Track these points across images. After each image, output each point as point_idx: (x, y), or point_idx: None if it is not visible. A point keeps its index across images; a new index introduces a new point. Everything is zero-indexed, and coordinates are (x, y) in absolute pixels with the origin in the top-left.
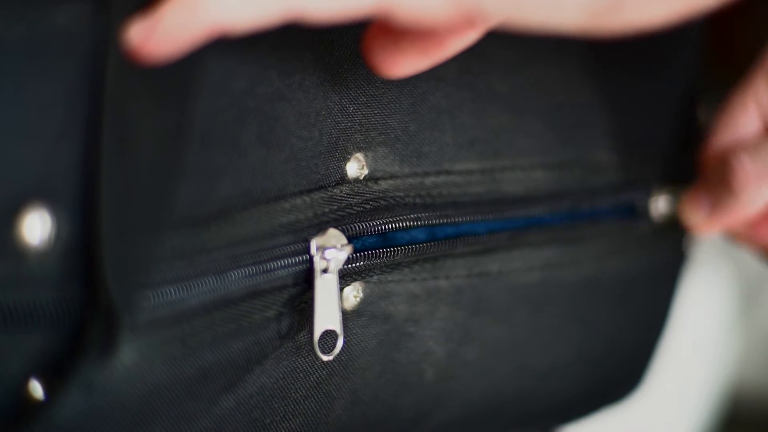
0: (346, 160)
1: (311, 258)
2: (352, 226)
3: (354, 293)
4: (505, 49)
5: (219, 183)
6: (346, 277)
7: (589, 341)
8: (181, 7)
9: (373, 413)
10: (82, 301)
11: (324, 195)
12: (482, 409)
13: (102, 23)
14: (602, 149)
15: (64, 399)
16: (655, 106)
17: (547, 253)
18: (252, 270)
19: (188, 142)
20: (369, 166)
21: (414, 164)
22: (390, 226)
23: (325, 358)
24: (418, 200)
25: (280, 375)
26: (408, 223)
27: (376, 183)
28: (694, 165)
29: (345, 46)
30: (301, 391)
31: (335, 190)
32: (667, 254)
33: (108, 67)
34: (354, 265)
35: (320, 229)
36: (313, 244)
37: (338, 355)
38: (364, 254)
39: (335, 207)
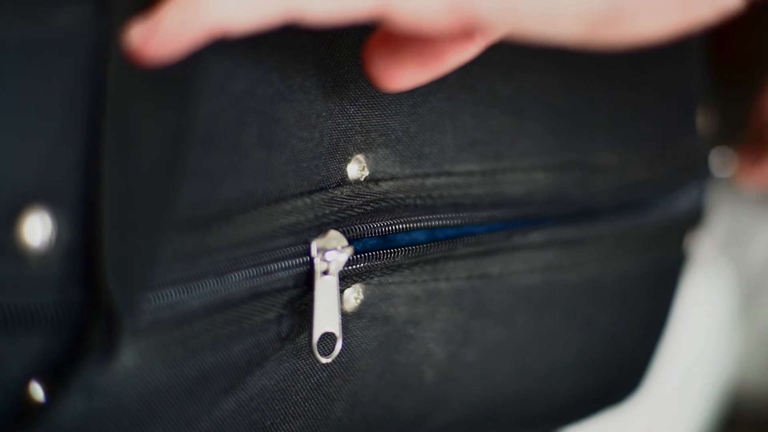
0: (346, 161)
1: (312, 260)
2: (352, 227)
3: (354, 295)
4: (505, 51)
5: (220, 185)
6: (346, 278)
7: (590, 343)
8: (180, 8)
9: (374, 415)
10: (83, 303)
11: (325, 196)
12: (482, 411)
13: (103, 24)
14: (603, 151)
15: (64, 401)
16: (656, 107)
17: (547, 255)
18: (252, 272)
19: (190, 143)
20: (370, 167)
21: (414, 165)
22: (390, 227)
23: (323, 360)
24: (418, 201)
25: (281, 377)
26: (408, 225)
27: (376, 184)
28: (694, 165)
29: (346, 47)
30: (302, 393)
31: (336, 192)
32: (668, 255)
33: (109, 69)
34: (354, 266)
35: (321, 230)
36: (314, 245)
37: (338, 357)
38: (365, 256)
39: (336, 208)
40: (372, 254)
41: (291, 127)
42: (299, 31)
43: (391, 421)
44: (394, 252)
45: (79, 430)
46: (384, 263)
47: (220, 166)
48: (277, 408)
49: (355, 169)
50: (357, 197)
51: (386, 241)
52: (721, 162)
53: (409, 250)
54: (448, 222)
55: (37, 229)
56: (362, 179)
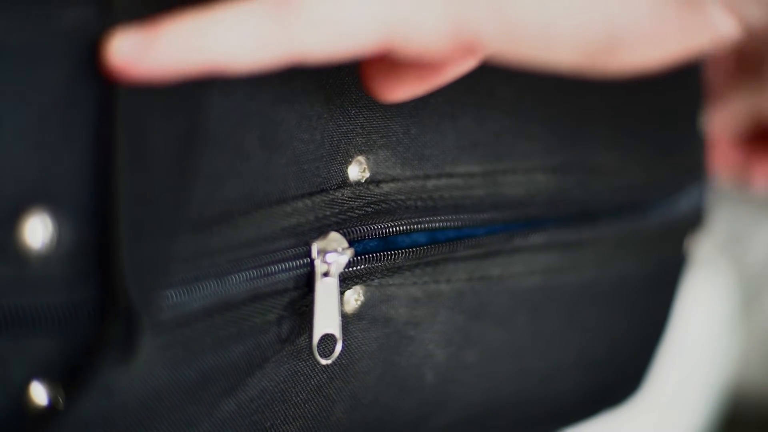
0: (347, 163)
1: (312, 261)
2: (353, 229)
3: (355, 297)
4: None
5: (221, 186)
6: (347, 280)
7: (590, 345)
8: (181, 34)
9: (374, 416)
10: (88, 305)
11: (325, 198)
12: (482, 413)
13: (105, 26)
14: (603, 152)
15: (83, 402)
16: (656, 110)
17: (547, 257)
18: (253, 273)
19: (203, 141)
20: (370, 169)
21: (415, 167)
22: (391, 229)
23: (323, 362)
24: (419, 203)
25: (281, 378)
26: (409, 227)
27: (377, 186)
28: (694, 167)
29: None
30: (302, 394)
31: (337, 194)
32: (668, 257)
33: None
34: (355, 268)
35: (321, 232)
36: (314, 247)
37: (339, 358)
38: (365, 257)
39: (336, 210)
40: (372, 256)
41: (292, 129)
42: None
43: (391, 422)
44: (395, 254)
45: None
46: (384, 265)
47: (221, 168)
48: (277, 409)
49: (356, 170)
50: (358, 199)
51: (387, 243)
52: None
53: (409, 251)
54: (449, 224)
55: (38, 231)
56: (363, 181)
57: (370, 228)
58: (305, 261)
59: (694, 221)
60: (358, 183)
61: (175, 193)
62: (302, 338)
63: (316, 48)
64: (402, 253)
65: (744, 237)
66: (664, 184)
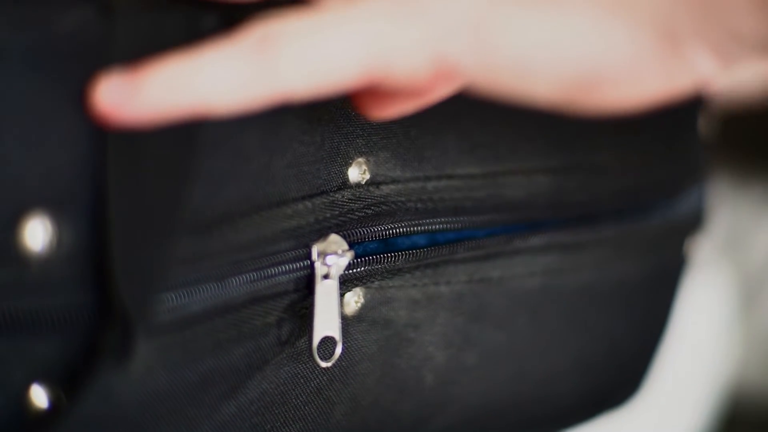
0: (347, 164)
1: (312, 264)
2: (353, 231)
3: (355, 299)
4: None
5: (221, 188)
6: (347, 282)
7: (589, 347)
8: (166, 79)
9: (373, 419)
10: (89, 308)
11: (326, 200)
12: (482, 415)
13: (106, 29)
14: (604, 154)
15: (80, 406)
16: (657, 112)
17: (547, 259)
18: (253, 276)
19: (200, 144)
20: (371, 170)
21: (416, 169)
22: (391, 231)
23: (323, 364)
24: (419, 205)
25: (281, 381)
26: (409, 229)
27: (377, 188)
28: (694, 169)
29: None
30: (302, 396)
31: (337, 195)
32: (668, 259)
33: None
34: (355, 270)
35: (322, 234)
36: (315, 249)
37: (338, 360)
38: (365, 260)
39: (337, 212)
40: (373, 258)
41: (292, 131)
42: None
43: (391, 424)
44: (395, 256)
45: None
46: (385, 267)
47: (221, 170)
48: (277, 412)
49: (356, 172)
50: (358, 201)
51: (387, 245)
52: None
53: (409, 254)
54: (449, 226)
55: (38, 234)
56: (363, 182)
57: (370, 230)
58: (305, 263)
59: (694, 223)
60: (358, 185)
61: (171, 197)
62: (302, 340)
63: (300, 86)
64: (402, 255)
65: (744, 237)
66: (665, 185)
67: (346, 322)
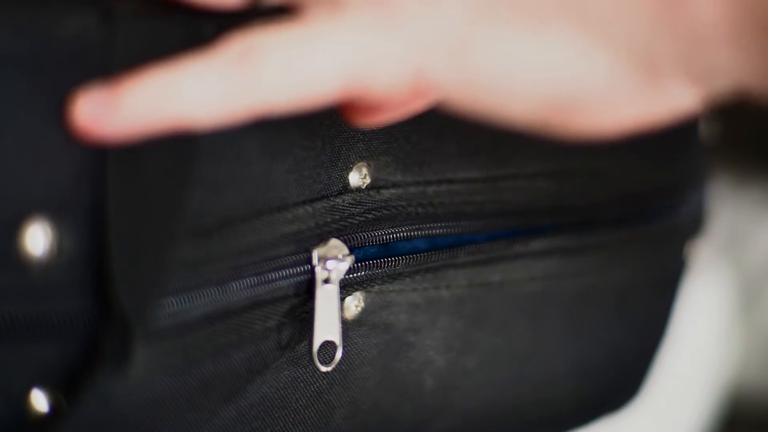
0: (348, 169)
1: (313, 268)
2: (353, 236)
3: (355, 303)
4: None
5: (222, 193)
6: (347, 287)
7: (589, 351)
8: (145, 94)
9: (373, 422)
10: (89, 312)
11: (326, 204)
12: (481, 418)
13: (108, 34)
14: (604, 159)
15: (80, 410)
16: None
17: (548, 263)
18: (254, 280)
19: (200, 149)
20: (371, 175)
21: (416, 173)
22: (392, 236)
23: (323, 369)
24: (420, 210)
25: (281, 385)
26: (410, 233)
27: (378, 192)
28: (694, 174)
29: None
30: (302, 400)
31: (337, 200)
32: (668, 264)
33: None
34: (355, 275)
35: (322, 239)
36: (315, 254)
37: (338, 364)
38: (366, 264)
39: (337, 217)
40: (373, 262)
41: (293, 136)
42: None
43: (391, 428)
44: (396, 260)
45: None
46: (385, 271)
47: (222, 174)
48: (277, 416)
49: (357, 176)
50: (358, 205)
51: (387, 249)
52: None
53: (410, 258)
54: (450, 230)
55: (38, 239)
56: (364, 187)
57: (371, 234)
58: (306, 268)
59: (694, 227)
60: (358, 189)
61: (171, 202)
62: (302, 345)
63: (281, 98)
64: (402, 259)
65: (744, 237)
66: (665, 190)
67: (347, 326)
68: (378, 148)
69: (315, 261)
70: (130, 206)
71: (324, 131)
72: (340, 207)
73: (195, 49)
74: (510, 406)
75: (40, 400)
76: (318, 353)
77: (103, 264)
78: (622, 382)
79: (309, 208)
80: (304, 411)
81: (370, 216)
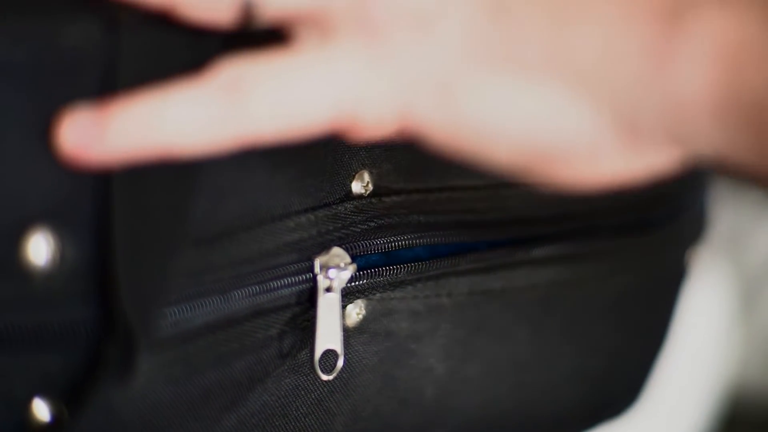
0: (350, 177)
1: (315, 277)
2: (355, 244)
3: (356, 310)
4: None
5: (224, 202)
6: (348, 294)
7: (589, 357)
8: (133, 118)
9: (373, 430)
10: (91, 322)
11: (328, 212)
12: (482, 426)
13: (110, 43)
14: None
15: (82, 419)
16: None
17: (549, 270)
18: (256, 289)
19: (202, 160)
20: (374, 182)
21: (418, 181)
22: (394, 244)
23: (325, 377)
24: (422, 218)
25: (282, 393)
26: (411, 242)
27: (380, 200)
28: (696, 181)
29: None
30: (302, 408)
31: (339, 208)
32: (669, 270)
33: (117, 89)
34: (357, 283)
35: (324, 247)
36: (317, 262)
37: (339, 372)
38: (368, 272)
39: (339, 225)
40: (375, 271)
41: (296, 144)
42: None
43: None
44: (397, 268)
45: None
46: (386, 279)
47: (224, 183)
48: (277, 423)
49: (359, 184)
50: (360, 213)
51: (389, 257)
52: None
53: (411, 266)
54: (451, 238)
55: (41, 249)
56: (366, 195)
57: (373, 242)
58: (307, 276)
59: (695, 234)
60: (360, 197)
61: (174, 211)
62: (303, 353)
63: (268, 128)
64: (404, 267)
65: (744, 237)
66: (666, 197)
67: (348, 333)
68: (380, 156)
69: (317, 269)
70: (134, 215)
71: (326, 139)
72: (342, 215)
73: (195, 65)
74: (511, 412)
75: (41, 410)
76: (319, 362)
77: (106, 273)
78: (623, 388)
79: (311, 216)
80: (304, 419)
81: (372, 224)
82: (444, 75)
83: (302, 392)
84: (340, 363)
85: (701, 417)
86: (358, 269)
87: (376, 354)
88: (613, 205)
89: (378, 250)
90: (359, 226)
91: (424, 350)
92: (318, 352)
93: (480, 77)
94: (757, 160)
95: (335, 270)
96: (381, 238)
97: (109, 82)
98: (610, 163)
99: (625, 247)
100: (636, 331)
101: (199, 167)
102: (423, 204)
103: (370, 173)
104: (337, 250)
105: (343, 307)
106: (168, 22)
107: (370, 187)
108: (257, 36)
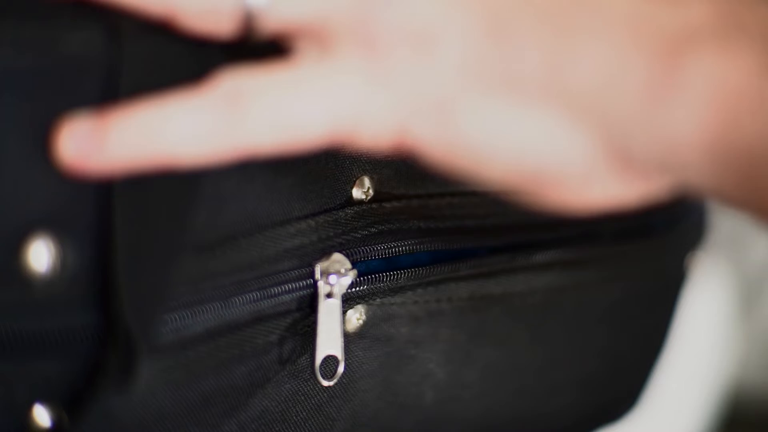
0: (351, 182)
1: (315, 283)
2: (356, 250)
3: (357, 316)
4: None
5: (225, 208)
6: (349, 300)
7: (589, 363)
8: (131, 129)
9: None
10: (91, 328)
11: (329, 218)
12: (481, 430)
13: (113, 50)
14: None
15: (82, 425)
16: None
17: (549, 276)
18: (256, 295)
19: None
20: (374, 188)
21: (419, 186)
22: (394, 250)
23: (325, 383)
24: (422, 224)
25: (282, 398)
26: (412, 247)
27: (380, 205)
28: None
29: None
30: (302, 413)
31: (340, 213)
32: (668, 275)
33: (119, 97)
34: (357, 288)
35: (325, 253)
36: (318, 268)
37: (339, 377)
38: (368, 278)
39: (340, 230)
40: (375, 276)
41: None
42: None
43: None
44: (397, 274)
45: None
46: (387, 285)
47: (225, 189)
48: (277, 429)
49: (360, 190)
50: (361, 218)
51: (389, 262)
52: None
53: (412, 272)
54: (452, 244)
55: (42, 255)
56: (366, 200)
57: (373, 248)
58: (308, 282)
59: (694, 240)
60: (361, 202)
61: (176, 218)
62: (303, 358)
63: (265, 142)
64: (404, 273)
65: (744, 238)
66: (665, 203)
67: (348, 338)
68: (381, 161)
69: (317, 275)
70: (135, 222)
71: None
72: (343, 221)
73: (196, 75)
74: (510, 417)
75: (42, 416)
76: (320, 367)
77: (107, 280)
78: (622, 393)
79: (312, 222)
80: (304, 424)
81: (373, 230)
82: (441, 93)
83: (302, 398)
84: (341, 369)
85: (701, 417)
86: (359, 275)
87: (376, 359)
88: (612, 211)
89: (378, 255)
90: (360, 231)
91: (423, 355)
92: (319, 358)
93: (477, 98)
94: (743, 200)
95: (336, 276)
96: (381, 243)
97: (111, 91)
98: (601, 188)
99: (625, 253)
100: (635, 336)
101: (200, 174)
102: (423, 209)
103: (371, 179)
104: (337, 256)
105: (344, 312)
106: (169, 32)
107: (371, 192)
108: (257, 48)
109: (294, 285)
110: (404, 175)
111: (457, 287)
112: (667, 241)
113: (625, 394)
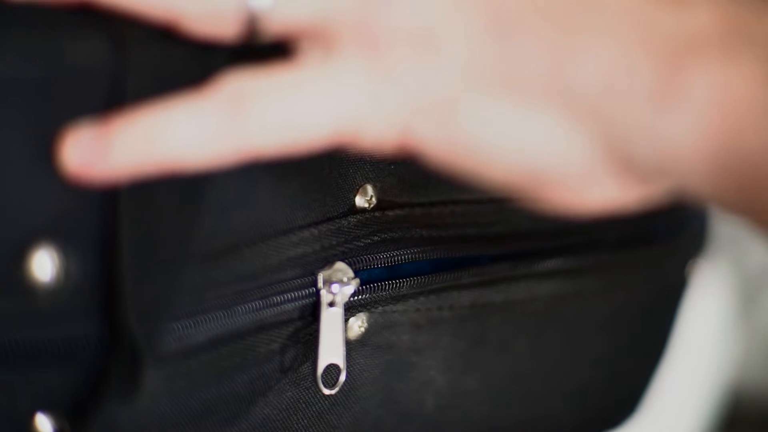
0: (354, 191)
1: (318, 292)
2: (359, 258)
3: (358, 323)
4: None
5: (228, 217)
6: (351, 308)
7: (589, 370)
8: (135, 135)
9: None
10: (95, 338)
11: (332, 227)
12: None
13: (118, 60)
14: None
15: None
16: None
17: (550, 284)
18: (259, 304)
19: (210, 177)
20: (377, 196)
21: (421, 195)
22: (397, 258)
23: (327, 392)
24: (424, 232)
25: (283, 406)
26: (414, 256)
27: (383, 214)
28: None
29: None
30: (303, 421)
31: (343, 222)
32: (669, 283)
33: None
34: (359, 297)
35: (327, 261)
36: (320, 277)
37: (341, 385)
38: (370, 287)
39: (342, 239)
40: (377, 285)
41: (299, 158)
42: None
43: None
44: (400, 282)
45: None
46: (389, 293)
47: (228, 198)
48: None
49: (363, 198)
50: (364, 227)
51: (391, 271)
52: None
53: (414, 280)
54: (454, 252)
55: (45, 265)
56: (369, 208)
57: (376, 257)
58: (311, 291)
59: (695, 247)
60: (364, 210)
61: (180, 228)
62: (305, 366)
63: (270, 144)
64: (407, 281)
65: (744, 238)
66: (667, 211)
67: (350, 346)
68: (384, 170)
69: (320, 284)
70: (140, 232)
71: (329, 153)
72: (346, 229)
73: (201, 80)
74: (510, 424)
75: (44, 425)
76: (321, 376)
77: (111, 289)
78: (622, 400)
79: (315, 231)
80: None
81: (375, 238)
82: (444, 93)
83: (303, 405)
84: (343, 377)
85: (702, 417)
86: (361, 283)
87: (377, 366)
88: (614, 218)
89: (381, 264)
90: (362, 240)
91: (425, 363)
92: (320, 367)
93: (479, 97)
94: (742, 208)
95: (338, 285)
96: (384, 252)
97: (117, 99)
98: (601, 191)
99: (626, 261)
100: (636, 343)
101: (205, 184)
102: (426, 218)
103: (374, 187)
104: (340, 265)
105: (346, 320)
106: (173, 37)
107: (374, 200)
108: (261, 50)
109: (296, 294)
110: (407, 183)
111: (459, 295)
112: (669, 250)
113: (626, 400)
